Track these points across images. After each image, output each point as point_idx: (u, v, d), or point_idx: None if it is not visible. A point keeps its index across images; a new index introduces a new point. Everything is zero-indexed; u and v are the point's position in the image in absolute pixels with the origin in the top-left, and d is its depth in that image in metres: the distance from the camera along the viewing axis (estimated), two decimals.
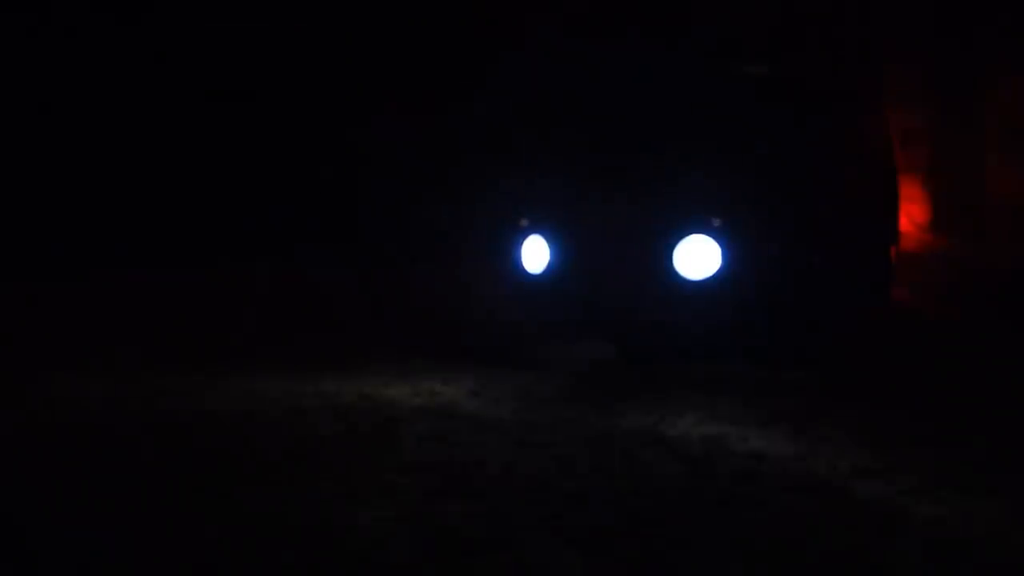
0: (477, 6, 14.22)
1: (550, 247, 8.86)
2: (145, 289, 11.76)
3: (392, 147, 14.65)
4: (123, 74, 14.10)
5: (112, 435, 6.35)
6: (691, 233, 8.36)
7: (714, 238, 8.34)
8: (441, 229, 13.73)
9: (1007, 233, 12.16)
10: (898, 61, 13.40)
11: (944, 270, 11.99)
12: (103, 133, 14.10)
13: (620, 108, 9.49)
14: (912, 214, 12.95)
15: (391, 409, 7.00)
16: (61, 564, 4.42)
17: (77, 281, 12.05)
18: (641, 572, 4.35)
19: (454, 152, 14.28)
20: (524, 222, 9.05)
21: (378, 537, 4.66)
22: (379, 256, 13.32)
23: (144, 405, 7.08)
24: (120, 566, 4.40)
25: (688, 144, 9.01)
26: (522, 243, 8.98)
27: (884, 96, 12.17)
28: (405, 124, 14.50)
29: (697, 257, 8.35)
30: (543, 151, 10.08)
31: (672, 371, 8.09)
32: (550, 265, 8.85)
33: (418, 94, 14.50)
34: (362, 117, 14.85)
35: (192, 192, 14.37)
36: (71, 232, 13.32)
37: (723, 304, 8.34)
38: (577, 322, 8.84)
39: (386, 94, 14.63)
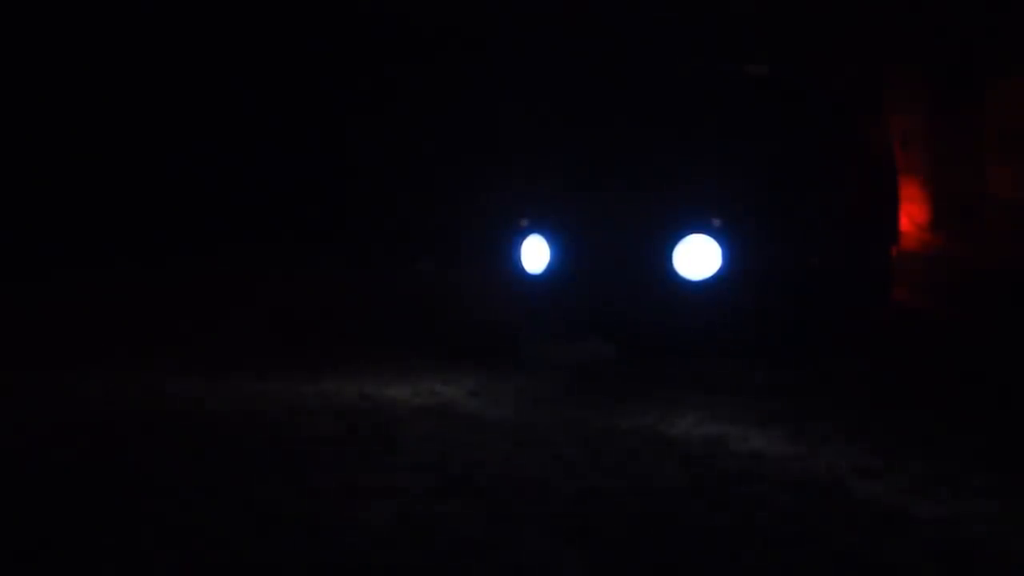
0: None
1: (550, 247, 8.86)
2: (145, 289, 11.76)
3: (394, 147, 14.66)
4: (116, 71, 14.10)
5: (112, 434, 6.35)
6: (691, 233, 8.37)
7: (714, 238, 8.34)
8: (442, 229, 13.73)
9: (1007, 233, 12.17)
10: (898, 62, 13.41)
11: (944, 270, 12.00)
12: (101, 130, 14.10)
13: (620, 108, 9.49)
14: (912, 214, 12.96)
15: (391, 409, 7.00)
16: (61, 563, 4.42)
17: (76, 281, 12.05)
18: (641, 572, 4.36)
19: (455, 152, 14.28)
20: (524, 222, 9.05)
21: (378, 537, 4.67)
22: (379, 256, 13.32)
23: (144, 405, 7.08)
24: (120, 564, 4.40)
25: (688, 144, 9.02)
26: (522, 243, 8.99)
27: (884, 97, 12.19)
28: (407, 124, 14.51)
29: (697, 257, 8.35)
30: (543, 152, 10.09)
31: (672, 371, 8.09)
32: (550, 265, 8.85)
33: (420, 94, 14.51)
34: (364, 118, 14.86)
35: (192, 193, 14.37)
36: (70, 232, 13.32)
37: (723, 304, 8.34)
38: (577, 322, 8.84)
39: (388, 93, 14.63)
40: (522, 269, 8.98)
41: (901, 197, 10.85)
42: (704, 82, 9.42)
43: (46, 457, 5.89)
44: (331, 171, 14.84)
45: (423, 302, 10.99)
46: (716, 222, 8.36)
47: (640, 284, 8.49)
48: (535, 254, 8.92)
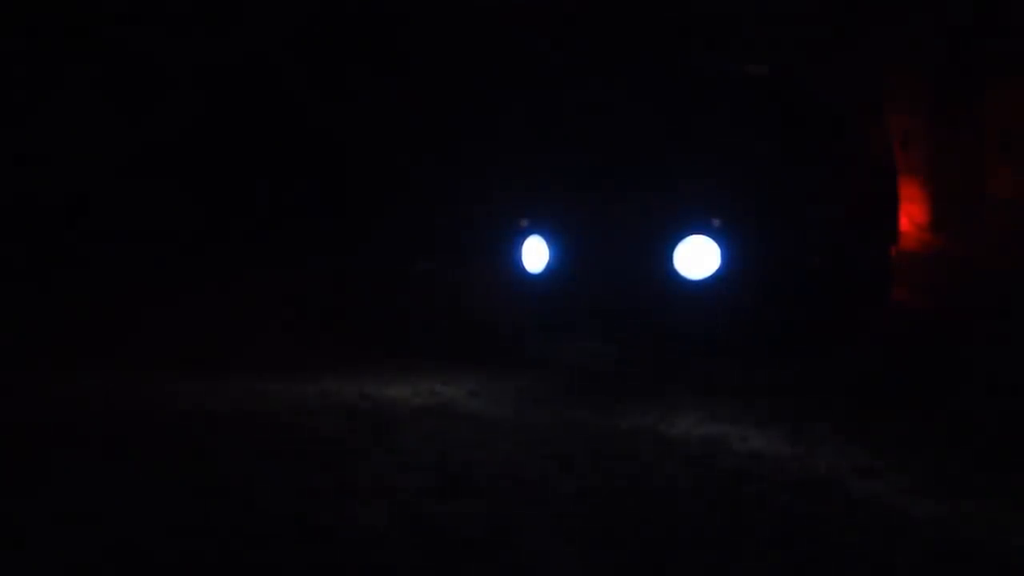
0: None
1: (550, 247, 8.86)
2: (145, 290, 11.76)
3: (394, 146, 14.66)
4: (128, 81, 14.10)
5: (112, 434, 6.34)
6: (691, 233, 8.37)
7: (714, 238, 8.34)
8: (442, 229, 13.73)
9: (1007, 233, 12.17)
10: (898, 62, 13.41)
11: (944, 270, 12.00)
12: (96, 129, 14.09)
13: (621, 108, 9.50)
14: (912, 214, 12.95)
15: (391, 409, 7.00)
16: (60, 563, 4.42)
17: (74, 281, 12.05)
18: (641, 572, 4.35)
19: (456, 152, 14.28)
20: (524, 222, 9.05)
21: (377, 536, 4.66)
22: (379, 256, 13.32)
23: (144, 405, 7.08)
24: (118, 563, 4.40)
25: (688, 145, 9.02)
26: (522, 243, 8.99)
27: (884, 97, 12.19)
28: (407, 124, 14.50)
29: (697, 257, 8.35)
30: (544, 152, 10.09)
31: (672, 371, 8.09)
32: (550, 265, 8.86)
33: (419, 94, 14.51)
34: (364, 118, 14.86)
35: (190, 194, 14.36)
36: (69, 234, 13.31)
37: (723, 304, 8.35)
38: (577, 322, 8.85)
39: (387, 93, 14.63)
40: (522, 269, 8.98)
41: (901, 197, 10.85)
42: (704, 82, 9.43)
43: (46, 457, 5.89)
44: (331, 171, 14.82)
45: (423, 302, 10.99)
46: (716, 222, 8.37)
47: (640, 284, 8.50)
48: (535, 254, 8.92)
